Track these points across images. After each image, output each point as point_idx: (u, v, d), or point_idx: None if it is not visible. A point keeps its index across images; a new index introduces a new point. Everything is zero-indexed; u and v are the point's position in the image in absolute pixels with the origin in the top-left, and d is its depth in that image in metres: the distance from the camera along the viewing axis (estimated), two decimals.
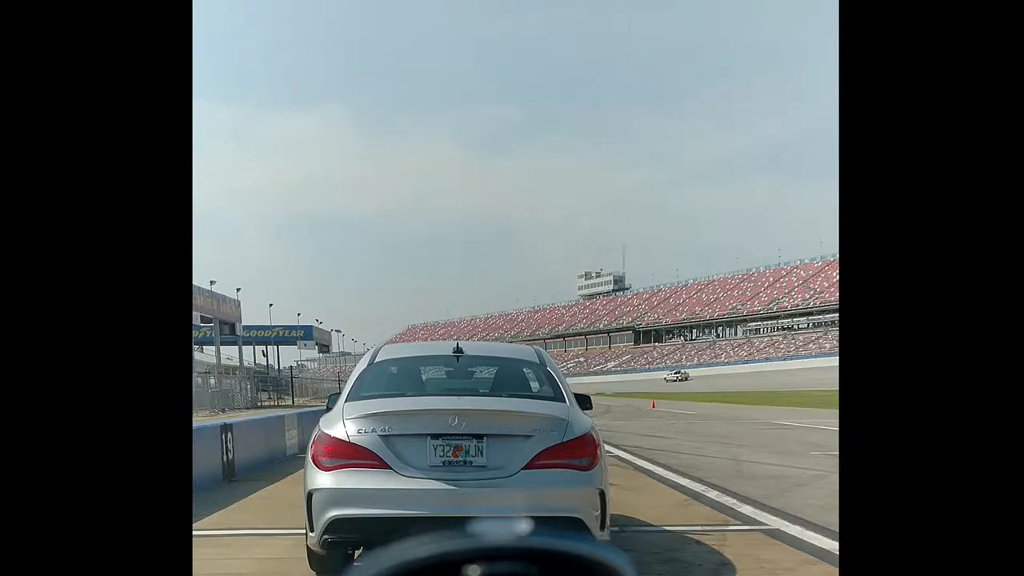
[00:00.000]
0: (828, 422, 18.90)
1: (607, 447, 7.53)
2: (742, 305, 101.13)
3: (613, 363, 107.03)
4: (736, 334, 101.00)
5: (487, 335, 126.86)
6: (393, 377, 5.48)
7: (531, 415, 4.74)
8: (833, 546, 5.68)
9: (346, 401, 4.88)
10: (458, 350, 5.38)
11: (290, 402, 42.53)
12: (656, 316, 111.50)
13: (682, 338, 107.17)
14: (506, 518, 0.78)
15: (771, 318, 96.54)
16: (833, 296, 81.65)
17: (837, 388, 2.13)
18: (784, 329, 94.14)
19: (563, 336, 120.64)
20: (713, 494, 8.67)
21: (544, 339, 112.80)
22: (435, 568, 0.74)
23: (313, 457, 4.63)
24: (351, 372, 5.54)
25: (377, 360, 5.47)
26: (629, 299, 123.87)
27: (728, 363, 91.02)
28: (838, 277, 2.17)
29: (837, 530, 2.42)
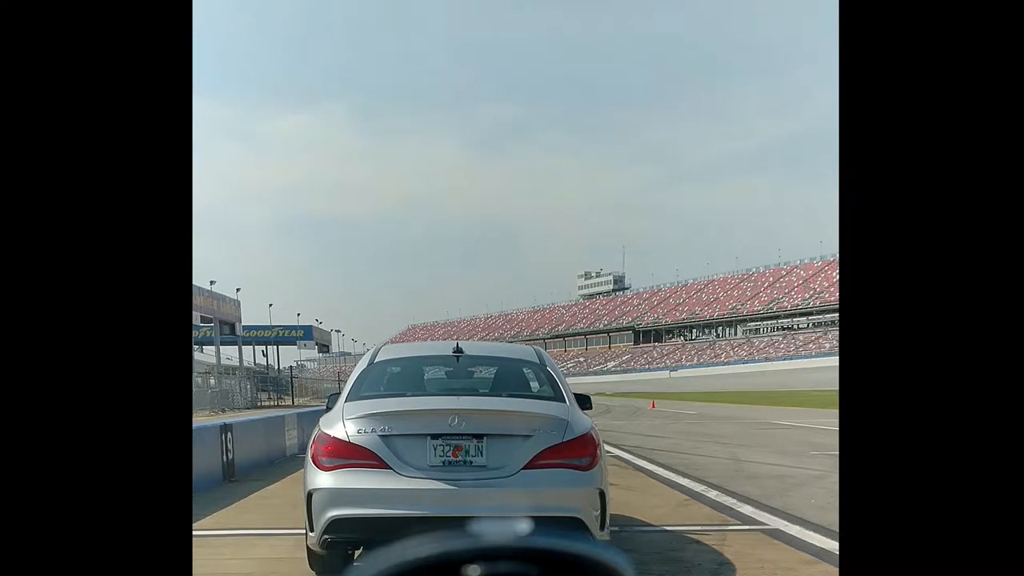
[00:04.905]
0: (828, 422, 18.90)
1: (607, 447, 7.53)
2: (742, 305, 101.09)
3: (613, 363, 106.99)
4: (736, 334, 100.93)
5: (487, 335, 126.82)
6: (393, 377, 5.48)
7: (531, 415, 4.74)
8: (833, 546, 5.68)
9: (346, 401, 4.88)
10: (458, 350, 5.38)
11: (290, 402, 42.50)
12: (656, 316, 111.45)
13: (682, 338, 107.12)
14: (506, 518, 0.78)
15: (771, 318, 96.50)
16: (833, 296, 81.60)
17: (837, 388, 2.13)
18: (784, 329, 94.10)
19: (563, 336, 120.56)
20: (713, 494, 8.67)
21: (544, 339, 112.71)
22: (435, 568, 0.74)
23: (313, 457, 4.63)
24: (351, 372, 5.54)
25: (377, 360, 5.47)
26: (629, 299, 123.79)
27: (728, 363, 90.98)
28: (838, 277, 2.17)
29: (837, 530, 2.42)
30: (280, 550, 5.97)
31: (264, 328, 60.12)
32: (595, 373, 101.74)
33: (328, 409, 5.12)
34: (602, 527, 4.61)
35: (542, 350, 5.94)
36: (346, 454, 4.53)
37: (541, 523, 0.77)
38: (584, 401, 5.37)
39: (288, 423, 13.58)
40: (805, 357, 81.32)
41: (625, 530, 6.51)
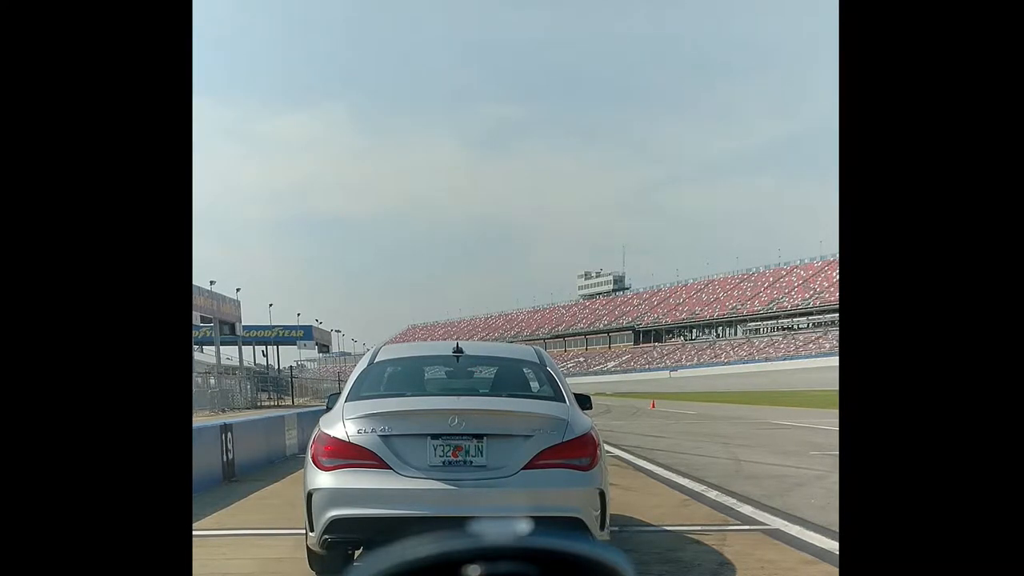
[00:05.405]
0: (828, 422, 18.91)
1: (607, 447, 7.54)
2: (742, 305, 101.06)
3: (613, 363, 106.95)
4: (736, 334, 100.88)
5: (487, 335, 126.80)
6: (393, 377, 5.48)
7: (531, 415, 4.74)
8: (833, 546, 5.68)
9: (346, 401, 4.89)
10: (458, 350, 5.38)
11: (290, 402, 42.50)
12: (656, 316, 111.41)
13: (682, 338, 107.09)
14: (506, 518, 0.78)
15: (771, 318, 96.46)
16: (833, 296, 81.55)
17: (837, 388, 2.13)
18: (784, 329, 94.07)
19: (563, 336, 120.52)
20: (713, 494, 8.67)
21: (544, 339, 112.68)
22: (435, 568, 0.74)
23: (313, 457, 4.63)
24: (351, 372, 5.54)
25: (377, 360, 5.47)
26: (629, 299, 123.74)
27: (728, 363, 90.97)
28: (838, 277, 2.17)
29: (837, 530, 2.42)
30: (280, 550, 5.97)
31: (264, 328, 60.10)
32: (595, 373, 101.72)
33: (328, 409, 5.12)
34: (602, 527, 4.61)
35: (542, 350, 5.94)
36: (346, 454, 4.53)
37: (541, 523, 0.77)
38: (584, 401, 5.37)
39: (288, 423, 13.59)
40: (805, 357, 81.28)
41: (625, 530, 6.51)
